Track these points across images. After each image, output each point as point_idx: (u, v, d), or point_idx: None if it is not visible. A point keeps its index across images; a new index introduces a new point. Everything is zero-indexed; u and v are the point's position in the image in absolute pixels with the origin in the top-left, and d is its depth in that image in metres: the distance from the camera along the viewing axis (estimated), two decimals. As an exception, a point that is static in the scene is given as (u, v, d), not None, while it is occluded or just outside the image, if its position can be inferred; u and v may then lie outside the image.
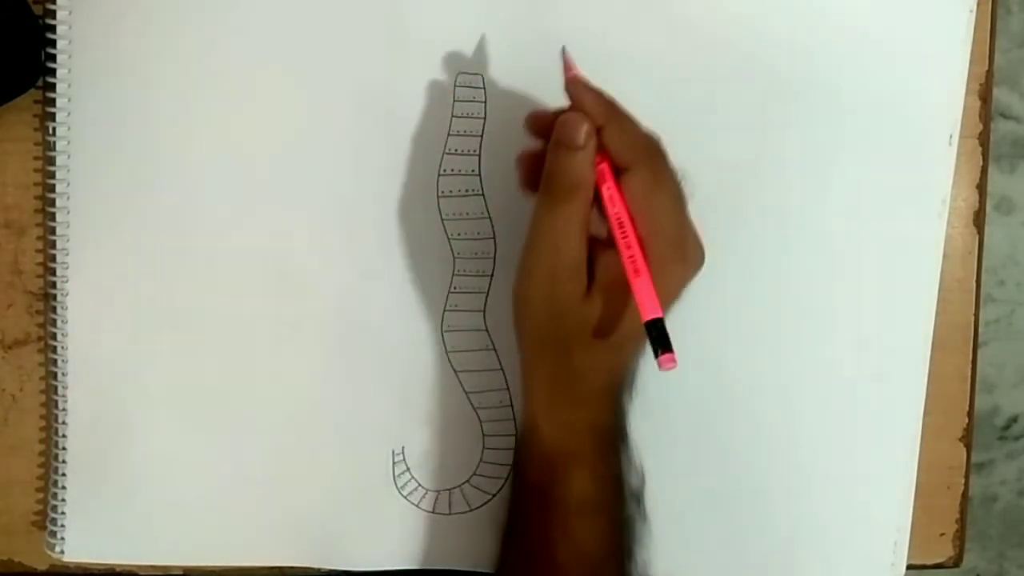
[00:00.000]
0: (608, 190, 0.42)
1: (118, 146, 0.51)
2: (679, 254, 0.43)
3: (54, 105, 0.51)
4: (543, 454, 0.46)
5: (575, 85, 0.43)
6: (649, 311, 0.41)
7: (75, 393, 0.53)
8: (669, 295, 0.43)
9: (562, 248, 0.42)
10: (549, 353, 0.45)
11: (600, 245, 0.43)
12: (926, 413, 0.55)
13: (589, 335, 0.43)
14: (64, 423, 0.53)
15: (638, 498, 0.48)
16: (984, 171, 0.56)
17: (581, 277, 0.43)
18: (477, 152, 0.52)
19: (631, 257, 0.41)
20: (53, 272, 0.52)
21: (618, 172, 0.43)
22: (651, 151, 0.43)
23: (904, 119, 0.54)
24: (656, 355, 0.41)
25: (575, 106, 0.43)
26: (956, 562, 0.58)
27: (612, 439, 0.46)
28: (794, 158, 0.54)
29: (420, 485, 0.54)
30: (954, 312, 0.56)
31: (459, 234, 0.52)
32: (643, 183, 0.42)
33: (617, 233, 0.42)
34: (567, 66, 0.46)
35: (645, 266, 0.41)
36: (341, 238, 0.52)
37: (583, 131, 0.42)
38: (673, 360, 0.41)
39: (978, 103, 0.55)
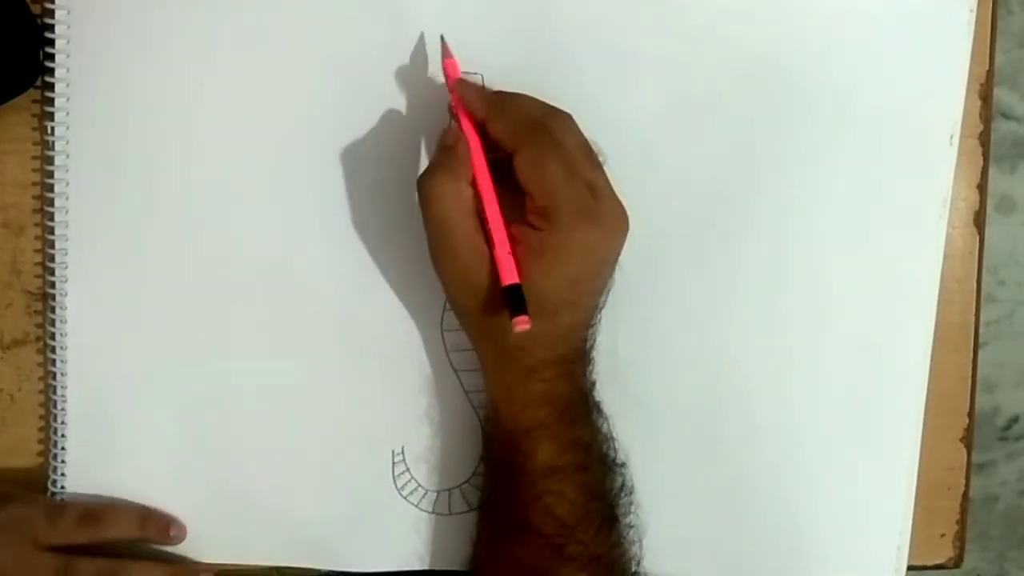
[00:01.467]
0: (479, 173, 0.46)
1: (116, 146, 0.51)
2: (587, 219, 0.44)
3: (53, 105, 0.51)
4: (506, 431, 0.47)
5: (459, 86, 0.48)
6: (506, 277, 0.44)
7: (74, 393, 0.52)
8: (589, 258, 0.45)
9: (451, 228, 0.45)
10: (487, 333, 0.47)
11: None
12: (927, 414, 0.55)
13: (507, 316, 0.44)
14: (63, 423, 0.53)
15: (614, 465, 0.49)
16: (984, 171, 0.56)
17: (485, 257, 0.45)
18: (477, 152, 0.52)
19: (494, 230, 0.45)
20: (52, 272, 0.52)
21: (510, 156, 0.45)
22: (533, 131, 0.45)
23: (905, 119, 0.54)
24: (510, 317, 0.43)
25: (458, 103, 0.47)
26: (957, 563, 0.58)
27: (575, 408, 0.47)
28: (795, 158, 0.54)
29: (420, 485, 0.54)
30: (955, 312, 0.56)
31: (459, 234, 0.52)
32: (530, 161, 0.45)
33: (483, 209, 0.45)
34: (450, 67, 0.49)
35: (504, 238, 0.45)
36: (341, 238, 0.52)
37: (452, 135, 0.47)
38: (526, 322, 0.43)
39: (979, 103, 0.55)
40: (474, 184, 0.46)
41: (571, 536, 0.46)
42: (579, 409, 0.48)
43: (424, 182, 0.46)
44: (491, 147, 0.47)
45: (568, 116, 0.46)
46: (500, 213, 0.45)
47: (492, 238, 0.45)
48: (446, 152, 0.46)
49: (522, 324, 0.43)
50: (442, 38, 0.50)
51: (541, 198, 0.44)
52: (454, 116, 0.49)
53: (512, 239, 0.45)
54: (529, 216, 0.45)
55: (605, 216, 0.45)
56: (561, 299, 0.45)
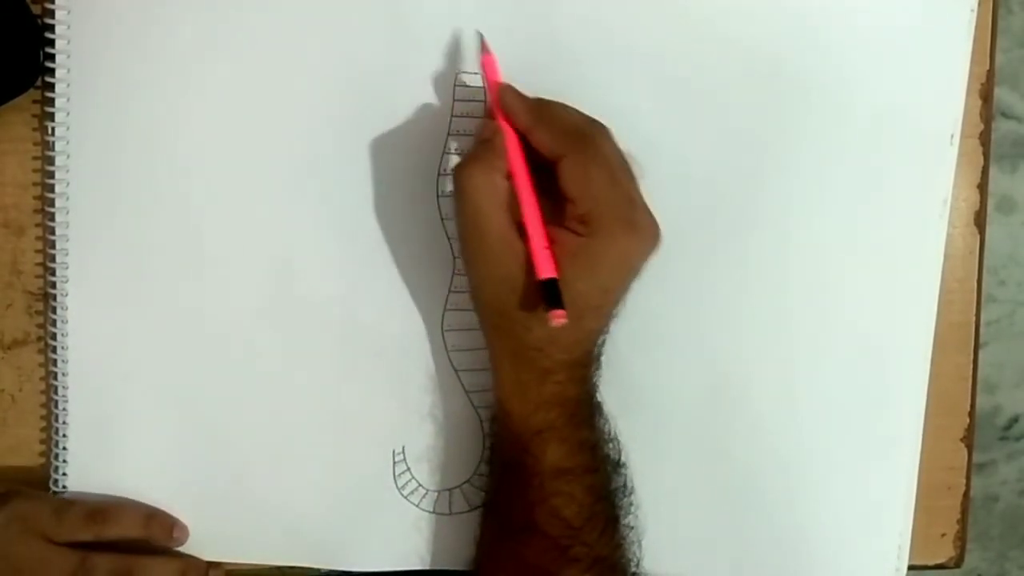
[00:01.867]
0: (516, 167, 0.46)
1: (117, 146, 0.51)
2: (626, 227, 0.45)
3: (53, 105, 0.51)
4: (514, 432, 0.47)
5: (502, 92, 0.48)
6: (543, 271, 0.44)
7: (75, 394, 0.52)
8: (624, 266, 0.46)
9: (484, 220, 0.45)
10: (508, 331, 0.46)
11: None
12: (927, 413, 0.55)
13: (543, 309, 0.44)
14: (64, 423, 0.53)
15: (617, 467, 0.49)
16: (985, 171, 0.56)
17: (516, 250, 0.45)
18: (477, 152, 0.52)
19: (530, 224, 0.45)
20: (52, 272, 0.52)
21: (553, 162, 0.46)
22: (578, 140, 0.46)
23: (905, 119, 0.54)
24: (546, 310, 0.43)
25: (503, 112, 0.47)
26: (957, 563, 0.58)
27: (583, 411, 0.47)
28: (795, 157, 0.54)
29: (420, 485, 0.54)
30: (955, 312, 0.56)
31: (459, 234, 0.52)
32: (574, 168, 0.45)
33: (520, 203, 0.45)
34: (489, 64, 0.49)
35: (542, 232, 0.44)
36: (341, 238, 0.52)
37: (489, 128, 0.47)
38: (563, 316, 0.43)
39: (979, 103, 0.55)
40: (510, 179, 0.46)
41: (576, 537, 0.46)
42: (586, 411, 0.48)
43: (459, 173, 0.46)
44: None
45: (607, 128, 0.47)
46: (538, 208, 0.45)
47: (528, 232, 0.45)
48: (483, 144, 0.47)
49: (559, 318, 0.43)
50: (480, 35, 0.50)
51: (583, 204, 0.44)
52: (489, 113, 0.48)
53: (548, 241, 0.45)
54: (568, 222, 0.45)
55: (642, 227, 0.46)
56: (590, 304, 0.45)
